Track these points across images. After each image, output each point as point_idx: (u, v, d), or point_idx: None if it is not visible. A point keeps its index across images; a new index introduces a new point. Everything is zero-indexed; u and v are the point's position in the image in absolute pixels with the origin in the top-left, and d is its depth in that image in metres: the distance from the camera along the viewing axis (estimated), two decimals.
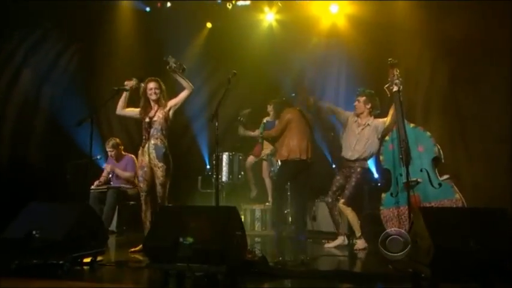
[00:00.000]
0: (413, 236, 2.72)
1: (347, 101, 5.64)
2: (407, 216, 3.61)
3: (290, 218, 5.48)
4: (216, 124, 3.43)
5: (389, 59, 4.04)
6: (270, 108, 5.84)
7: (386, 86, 4.03)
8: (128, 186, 5.26)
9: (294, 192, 5.27)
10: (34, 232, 3.00)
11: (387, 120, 4.23)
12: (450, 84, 5.16)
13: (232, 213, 2.85)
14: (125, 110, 3.97)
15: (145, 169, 3.85)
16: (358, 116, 4.37)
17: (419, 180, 3.73)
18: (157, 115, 3.84)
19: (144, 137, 3.85)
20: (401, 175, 3.82)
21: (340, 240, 4.39)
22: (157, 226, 2.88)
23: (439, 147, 3.84)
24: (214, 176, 5.78)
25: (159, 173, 3.79)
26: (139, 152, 3.92)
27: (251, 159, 6.02)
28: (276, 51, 6.49)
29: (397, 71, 3.99)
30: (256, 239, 5.15)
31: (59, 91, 6.07)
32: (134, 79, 3.90)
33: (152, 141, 3.79)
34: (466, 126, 5.06)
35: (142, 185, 3.88)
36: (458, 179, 3.93)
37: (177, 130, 6.60)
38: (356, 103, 4.39)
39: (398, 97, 3.89)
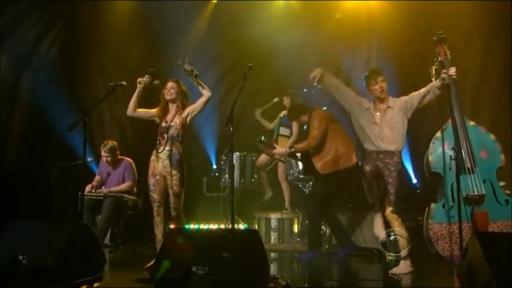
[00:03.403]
0: (468, 265, 2.69)
1: None
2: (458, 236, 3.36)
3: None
4: (231, 129, 3.42)
5: (438, 32, 3.68)
6: (286, 100, 5.76)
7: (435, 67, 3.67)
8: (128, 196, 5.28)
9: None
10: (20, 257, 3.03)
11: (422, 91, 3.87)
12: (506, 73, 5.06)
13: (252, 237, 2.85)
14: (138, 111, 4.08)
15: (158, 177, 4.00)
16: (381, 101, 4.02)
17: (482, 193, 3.45)
18: (175, 120, 4.01)
19: (158, 142, 4.00)
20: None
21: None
22: (166, 252, 2.88)
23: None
24: (222, 180, 5.88)
25: (174, 181, 3.93)
26: (152, 157, 4.06)
27: (263, 158, 5.98)
28: (293, 31, 6.39)
29: (447, 51, 3.62)
30: (273, 255, 5.14)
31: (40, 81, 6.03)
32: (147, 76, 3.98)
33: (167, 148, 3.96)
34: None
35: (154, 195, 4.01)
36: None
37: None
38: (383, 85, 3.97)
39: (451, 87, 3.54)
